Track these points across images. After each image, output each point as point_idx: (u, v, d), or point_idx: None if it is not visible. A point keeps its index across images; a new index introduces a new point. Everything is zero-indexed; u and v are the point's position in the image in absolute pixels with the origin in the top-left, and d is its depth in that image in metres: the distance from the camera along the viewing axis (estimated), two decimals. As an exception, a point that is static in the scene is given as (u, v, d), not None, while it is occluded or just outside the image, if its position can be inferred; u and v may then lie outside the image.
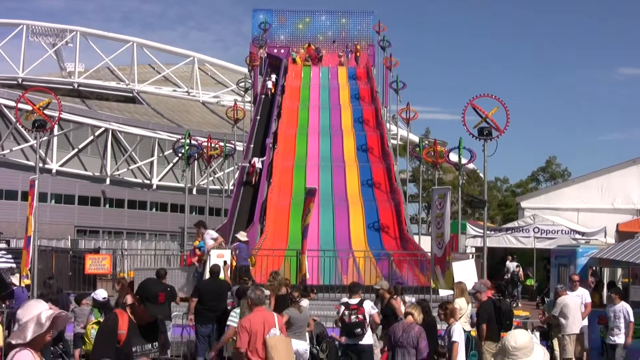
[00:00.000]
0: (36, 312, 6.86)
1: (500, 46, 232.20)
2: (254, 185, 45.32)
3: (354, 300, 17.89)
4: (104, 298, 20.13)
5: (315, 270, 30.57)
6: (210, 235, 27.31)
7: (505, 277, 42.56)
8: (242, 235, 30.96)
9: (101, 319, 18.82)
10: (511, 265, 42.74)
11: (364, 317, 17.51)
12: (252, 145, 49.81)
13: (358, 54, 65.67)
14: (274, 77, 60.40)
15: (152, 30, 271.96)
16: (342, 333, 18.07)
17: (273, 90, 58.40)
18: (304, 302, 18.82)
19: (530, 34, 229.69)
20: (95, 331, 18.27)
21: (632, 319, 19.49)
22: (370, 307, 17.99)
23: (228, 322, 16.72)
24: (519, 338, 7.33)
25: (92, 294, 20.50)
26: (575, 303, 21.01)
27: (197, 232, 28.07)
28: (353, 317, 17.38)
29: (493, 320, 17.64)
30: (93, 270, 33.46)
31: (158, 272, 23.17)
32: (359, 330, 17.35)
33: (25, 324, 6.79)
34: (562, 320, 20.61)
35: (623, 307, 19.75)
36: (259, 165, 46.80)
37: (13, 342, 6.83)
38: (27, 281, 27.61)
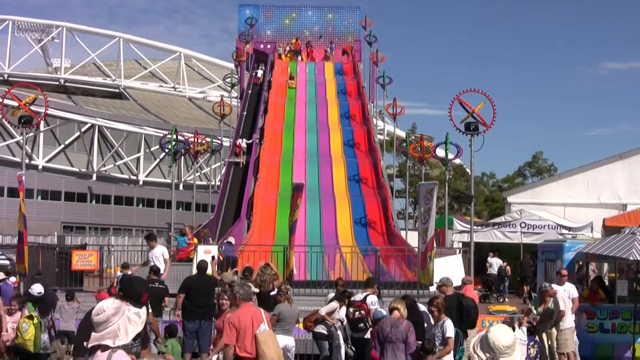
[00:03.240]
0: (123, 310, 6.93)
1: (486, 42, 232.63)
2: (241, 181, 45.29)
3: (359, 297, 18.30)
4: (39, 293, 20.10)
5: (302, 265, 30.57)
6: (162, 251, 26.33)
7: (488, 272, 42.45)
8: (228, 239, 31.23)
9: (34, 314, 18.80)
10: (493, 260, 42.64)
11: (367, 312, 17.80)
12: (238, 141, 49.75)
13: (346, 48, 65.60)
14: (262, 67, 60.65)
15: (138, 24, 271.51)
16: (350, 328, 18.44)
17: (262, 80, 58.48)
18: (339, 314, 19.08)
19: (516, 30, 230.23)
20: (27, 325, 18.24)
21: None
22: (370, 303, 18.19)
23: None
24: (508, 337, 7.32)
25: (29, 289, 20.50)
26: (566, 297, 21.13)
27: (149, 245, 27.06)
28: (357, 313, 17.77)
29: (453, 315, 17.65)
30: (80, 266, 33.37)
31: (152, 268, 23.08)
32: (362, 325, 17.70)
33: (118, 325, 6.85)
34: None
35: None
36: (244, 145, 47.13)
37: (112, 344, 6.86)
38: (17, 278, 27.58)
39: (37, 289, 20.24)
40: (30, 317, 18.50)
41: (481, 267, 41.42)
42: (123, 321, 6.93)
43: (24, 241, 28.47)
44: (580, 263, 32.31)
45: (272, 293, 20.32)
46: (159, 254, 25.45)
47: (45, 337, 19.35)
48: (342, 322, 19.68)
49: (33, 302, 19.77)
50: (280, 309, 17.77)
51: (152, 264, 24.39)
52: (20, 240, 28.70)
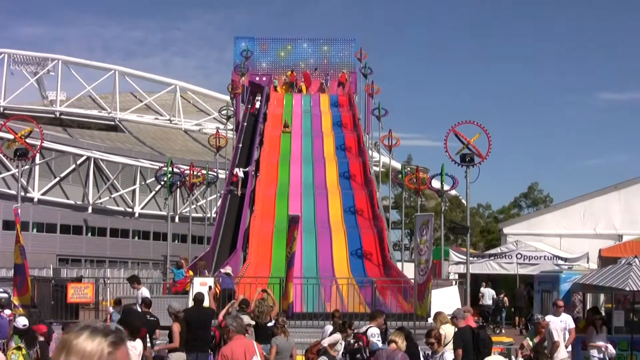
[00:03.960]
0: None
1: (481, 73, 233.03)
2: (237, 213, 45.30)
3: (363, 329, 18.28)
4: (24, 325, 20.12)
5: (298, 297, 30.56)
6: (144, 293, 26.30)
7: (480, 302, 42.28)
8: (225, 270, 31.12)
9: (21, 345, 18.79)
10: (485, 291, 42.52)
11: (364, 343, 17.79)
12: (235, 170, 49.82)
13: (342, 80, 65.72)
14: (258, 99, 61.05)
15: (134, 57, 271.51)
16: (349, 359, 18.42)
17: (258, 111, 58.76)
18: (339, 346, 18.99)
19: (510, 61, 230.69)
20: (16, 356, 18.25)
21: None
22: (370, 335, 18.18)
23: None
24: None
25: (14, 322, 20.56)
26: (561, 328, 21.06)
27: (133, 286, 27.35)
28: (356, 344, 17.80)
29: (469, 348, 17.61)
30: (75, 299, 33.27)
31: (144, 300, 23.03)
32: (359, 355, 17.65)
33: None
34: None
35: None
36: (240, 174, 47.23)
37: None
38: (21, 310, 27.47)
39: (22, 321, 20.27)
40: (19, 349, 18.48)
41: (477, 298, 41.41)
42: None
43: (26, 272, 28.48)
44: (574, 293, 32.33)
45: (269, 324, 20.29)
46: (140, 297, 25.25)
47: None
48: (344, 355, 19.67)
49: (19, 335, 19.78)
50: (277, 342, 17.75)
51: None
52: (19, 273, 28.70)
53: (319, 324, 26.45)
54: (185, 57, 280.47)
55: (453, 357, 16.26)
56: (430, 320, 25.96)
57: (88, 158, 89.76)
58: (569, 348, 21.88)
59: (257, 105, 60.01)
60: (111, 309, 28.21)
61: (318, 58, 69.31)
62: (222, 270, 31.11)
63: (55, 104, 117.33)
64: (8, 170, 79.60)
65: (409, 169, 54.28)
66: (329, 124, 57.31)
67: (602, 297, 34.31)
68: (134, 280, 27.17)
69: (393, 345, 15.01)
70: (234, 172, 47.96)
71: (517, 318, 42.63)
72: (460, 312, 19.57)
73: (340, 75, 66.32)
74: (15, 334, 19.92)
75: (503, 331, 39.12)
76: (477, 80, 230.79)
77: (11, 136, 36.47)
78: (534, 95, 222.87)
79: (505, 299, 43.23)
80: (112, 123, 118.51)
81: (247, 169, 48.37)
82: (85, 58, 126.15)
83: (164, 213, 73.40)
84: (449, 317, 19.70)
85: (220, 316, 21.10)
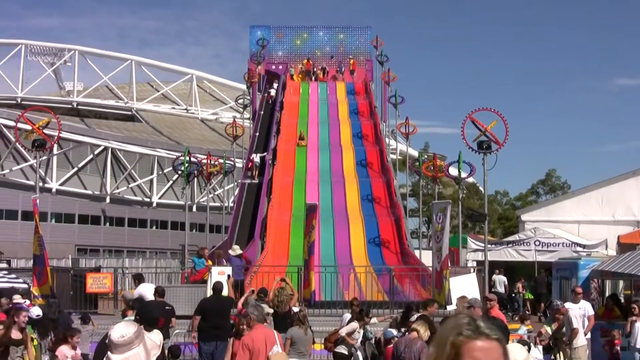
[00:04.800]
0: (143, 335, 6.96)
1: (498, 60, 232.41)
2: (254, 202, 45.34)
3: (413, 317, 18.19)
4: (37, 315, 20.19)
5: (316, 285, 30.61)
6: (139, 290, 25.18)
7: (493, 290, 42.08)
8: (233, 250, 30.96)
9: (34, 336, 18.84)
10: (497, 278, 42.30)
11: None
12: (252, 155, 49.93)
13: (353, 68, 65.69)
14: (275, 85, 61.22)
15: (150, 46, 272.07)
16: None
17: (275, 99, 58.96)
18: (357, 334, 18.97)
19: (527, 47, 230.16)
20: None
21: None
22: None
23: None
24: (519, 355, 7.32)
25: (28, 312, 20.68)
26: (580, 315, 20.99)
27: (135, 284, 27.15)
28: (407, 333, 17.80)
29: None
30: (94, 289, 33.37)
31: (157, 289, 23.05)
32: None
33: (139, 348, 6.88)
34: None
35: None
36: (257, 160, 47.37)
37: None
38: (40, 300, 27.55)
39: (36, 311, 20.36)
40: (31, 340, 18.55)
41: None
42: (144, 345, 6.95)
43: (46, 262, 28.59)
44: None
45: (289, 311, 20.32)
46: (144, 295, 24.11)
47: (46, 358, 19.43)
48: (362, 343, 19.65)
49: (32, 324, 19.85)
50: (291, 333, 17.74)
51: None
52: (38, 263, 28.80)
53: (337, 313, 26.53)
54: (200, 46, 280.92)
55: None
56: (449, 307, 25.99)
57: (105, 148, 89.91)
58: (588, 335, 21.82)
59: (273, 93, 60.11)
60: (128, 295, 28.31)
61: (334, 46, 69.38)
62: (232, 253, 30.99)
63: (72, 95, 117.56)
64: (26, 161, 79.85)
65: (426, 156, 54.18)
66: (345, 111, 57.33)
67: (621, 283, 34.23)
68: (136, 278, 27.06)
69: (414, 333, 14.93)
70: (251, 158, 48.16)
71: (537, 305, 42.57)
72: (477, 301, 19.51)
73: (351, 63, 66.28)
74: (29, 324, 20.01)
75: (521, 318, 39.00)
76: (493, 67, 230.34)
77: (29, 127, 36.59)
78: (551, 82, 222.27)
79: (519, 285, 43.12)
80: (129, 113, 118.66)
81: (263, 154, 48.51)
82: (100, 48, 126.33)
83: (181, 202, 73.47)
84: (466, 306, 19.65)
85: (239, 304, 21.09)
